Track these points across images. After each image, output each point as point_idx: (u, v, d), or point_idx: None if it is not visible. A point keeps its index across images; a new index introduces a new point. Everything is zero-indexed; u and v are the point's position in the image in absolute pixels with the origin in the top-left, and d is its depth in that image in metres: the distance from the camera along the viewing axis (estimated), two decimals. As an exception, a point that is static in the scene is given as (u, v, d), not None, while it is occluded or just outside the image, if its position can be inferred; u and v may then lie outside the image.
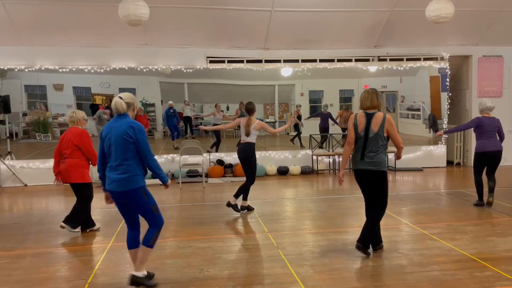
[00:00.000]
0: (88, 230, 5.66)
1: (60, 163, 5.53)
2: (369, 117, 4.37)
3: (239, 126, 6.58)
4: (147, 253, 3.80)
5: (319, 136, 11.00)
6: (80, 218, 5.58)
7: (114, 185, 3.67)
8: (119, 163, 3.64)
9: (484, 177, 6.59)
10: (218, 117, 11.81)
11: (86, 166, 5.55)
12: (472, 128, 6.64)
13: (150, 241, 3.77)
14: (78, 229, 5.59)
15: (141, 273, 3.78)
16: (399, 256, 4.55)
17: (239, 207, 6.52)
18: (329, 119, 11.60)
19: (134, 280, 3.75)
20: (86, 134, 5.54)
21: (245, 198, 6.56)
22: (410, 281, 3.90)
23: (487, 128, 6.40)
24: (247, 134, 6.39)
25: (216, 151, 10.90)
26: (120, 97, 3.69)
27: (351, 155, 4.61)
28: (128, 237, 3.89)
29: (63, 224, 5.48)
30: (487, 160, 6.50)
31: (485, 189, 6.58)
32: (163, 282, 3.98)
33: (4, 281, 4.12)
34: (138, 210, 3.80)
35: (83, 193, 5.57)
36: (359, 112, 4.49)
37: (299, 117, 12.34)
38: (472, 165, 6.72)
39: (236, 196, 6.48)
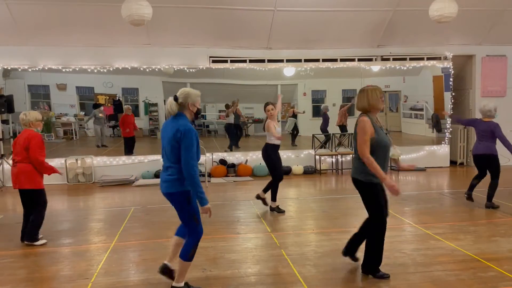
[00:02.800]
0: (26, 242, 5.16)
1: (12, 168, 5.20)
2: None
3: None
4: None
5: (322, 136, 10.99)
6: (38, 228, 5.20)
7: (162, 187, 3.61)
8: (171, 165, 3.55)
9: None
10: (230, 117, 11.78)
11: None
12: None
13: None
14: (43, 240, 5.21)
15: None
16: (402, 256, 4.54)
17: (267, 203, 6.63)
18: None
19: None
20: (37, 137, 5.13)
21: (273, 199, 6.58)
22: (413, 281, 3.89)
23: (479, 131, 6.48)
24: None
25: (231, 149, 11.16)
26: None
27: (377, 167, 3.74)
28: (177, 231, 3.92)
29: (26, 242, 5.15)
30: (477, 163, 6.59)
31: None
32: (165, 282, 3.98)
33: (7, 280, 4.13)
34: (178, 212, 3.67)
35: (37, 200, 5.19)
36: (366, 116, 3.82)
37: (294, 116, 12.40)
38: None
39: (265, 191, 6.57)
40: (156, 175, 9.55)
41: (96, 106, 12.05)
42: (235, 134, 11.83)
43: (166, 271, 3.81)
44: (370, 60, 10.35)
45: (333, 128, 11.59)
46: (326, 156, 10.48)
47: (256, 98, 12.56)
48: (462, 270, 4.12)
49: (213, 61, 9.82)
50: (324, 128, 11.67)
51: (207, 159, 9.34)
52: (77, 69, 9.50)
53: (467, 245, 4.83)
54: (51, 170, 5.29)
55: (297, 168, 10.08)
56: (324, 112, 12.00)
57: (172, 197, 3.55)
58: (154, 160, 9.77)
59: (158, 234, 5.53)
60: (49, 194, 5.40)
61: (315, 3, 8.73)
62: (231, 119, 11.72)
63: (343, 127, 11.58)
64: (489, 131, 6.34)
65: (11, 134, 9.65)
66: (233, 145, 11.47)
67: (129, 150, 10.53)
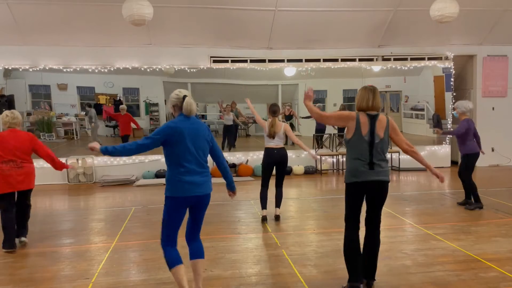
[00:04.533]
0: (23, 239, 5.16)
1: (14, 169, 4.89)
2: (372, 120, 3.65)
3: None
4: None
5: (322, 136, 10.98)
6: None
7: (202, 188, 3.46)
8: (205, 166, 3.52)
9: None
10: (227, 117, 11.74)
11: None
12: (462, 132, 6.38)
13: None
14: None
15: None
16: (403, 256, 4.53)
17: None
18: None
19: None
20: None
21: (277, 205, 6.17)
22: (414, 282, 3.88)
23: (474, 130, 6.49)
24: (273, 136, 5.94)
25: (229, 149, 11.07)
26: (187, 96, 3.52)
27: (352, 164, 3.76)
28: (177, 253, 3.56)
29: (23, 239, 5.13)
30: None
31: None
32: (166, 282, 3.99)
33: (8, 280, 4.13)
34: (203, 214, 3.65)
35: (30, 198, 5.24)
36: (359, 112, 3.69)
37: (290, 117, 12.37)
38: (468, 167, 6.51)
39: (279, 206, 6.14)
40: (157, 175, 9.55)
41: (98, 106, 12.12)
42: (235, 134, 11.84)
43: None
44: (371, 60, 10.34)
45: (333, 128, 11.58)
46: (326, 156, 10.47)
47: (257, 98, 12.55)
48: (463, 270, 4.12)
49: (214, 61, 9.82)
50: (321, 128, 11.59)
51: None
52: (78, 69, 9.50)
53: (468, 246, 4.82)
54: (63, 166, 5.30)
55: (298, 168, 10.08)
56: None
57: (208, 197, 3.56)
58: (155, 160, 9.77)
59: (158, 234, 5.51)
60: (50, 194, 5.40)
61: (316, 3, 8.72)
62: (229, 120, 11.67)
63: (343, 128, 11.57)
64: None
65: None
66: (232, 146, 11.48)
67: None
